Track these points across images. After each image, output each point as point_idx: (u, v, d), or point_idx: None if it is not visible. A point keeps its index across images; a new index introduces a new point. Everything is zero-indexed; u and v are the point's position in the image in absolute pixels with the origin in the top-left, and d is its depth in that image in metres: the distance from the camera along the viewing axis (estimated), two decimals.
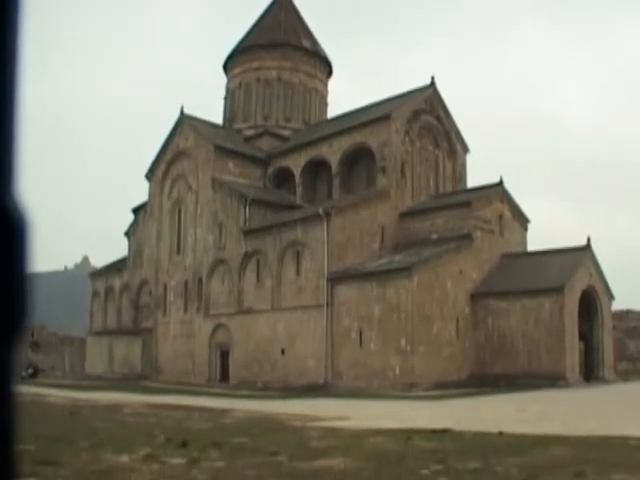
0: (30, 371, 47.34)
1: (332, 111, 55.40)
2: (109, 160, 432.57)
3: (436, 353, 32.97)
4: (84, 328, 56.42)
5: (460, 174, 43.99)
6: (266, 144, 48.76)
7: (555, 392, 28.69)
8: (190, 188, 45.39)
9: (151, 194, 48.69)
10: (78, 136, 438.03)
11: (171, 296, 45.76)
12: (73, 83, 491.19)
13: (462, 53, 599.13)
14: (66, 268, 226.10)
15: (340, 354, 34.45)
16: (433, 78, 42.85)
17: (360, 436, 13.64)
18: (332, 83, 57.72)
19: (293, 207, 42.61)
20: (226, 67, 55.55)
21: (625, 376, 39.14)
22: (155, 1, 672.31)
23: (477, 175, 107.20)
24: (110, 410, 21.10)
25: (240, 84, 53.39)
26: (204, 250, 43.37)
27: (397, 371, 32.02)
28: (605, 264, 37.28)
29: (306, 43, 53.82)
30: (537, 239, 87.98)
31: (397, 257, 35.77)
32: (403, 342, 32.08)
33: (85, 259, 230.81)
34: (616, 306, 40.34)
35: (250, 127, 51.40)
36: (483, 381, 33.07)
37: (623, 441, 12.17)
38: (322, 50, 55.32)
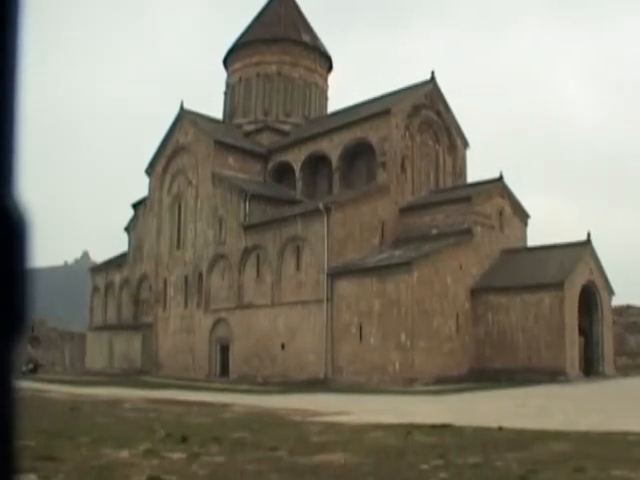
0: (30, 366, 47.37)
1: (332, 106, 55.42)
2: (109, 156, 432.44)
3: (436, 348, 32.99)
4: (84, 323, 56.44)
5: (460, 169, 43.96)
6: (266, 139, 48.71)
7: (555, 387, 28.71)
8: (190, 183, 45.36)
9: (151, 189, 48.66)
10: (78, 133, 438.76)
11: (171, 291, 45.77)
12: (73, 83, 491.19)
13: (462, 49, 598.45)
14: (66, 263, 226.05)
15: (340, 349, 34.49)
16: (433, 73, 42.82)
17: (360, 431, 13.67)
18: (332, 78, 57.71)
19: (293, 202, 42.57)
20: (226, 62, 55.42)
21: (625, 371, 39.15)
22: (155, 0, 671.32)
23: (477, 170, 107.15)
24: (110, 405, 21.13)
25: (240, 79, 53.29)
26: (204, 245, 43.38)
27: (397, 366, 32.05)
28: (605, 259, 37.33)
29: (306, 38, 53.71)
30: (537, 234, 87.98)
31: (397, 252, 35.77)
32: (403, 337, 32.10)
33: (85, 254, 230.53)
34: (616, 301, 40.39)
35: (250, 122, 51.31)
36: (483, 376, 33.09)
37: (623, 436, 12.19)
38: (322, 45, 55.23)
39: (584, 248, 35.93)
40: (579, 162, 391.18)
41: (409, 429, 13.44)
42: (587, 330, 36.32)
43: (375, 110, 41.60)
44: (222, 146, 44.84)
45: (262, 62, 52.19)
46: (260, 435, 12.80)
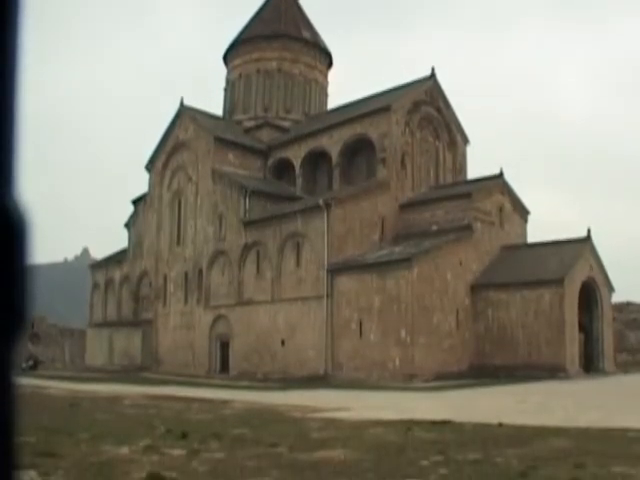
0: (30, 363, 47.36)
1: (332, 102, 55.38)
2: (109, 152, 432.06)
3: (436, 344, 33.02)
4: (84, 320, 56.48)
5: (460, 165, 43.95)
6: (266, 135, 48.69)
7: (555, 383, 28.73)
8: (190, 179, 45.35)
9: (151, 185, 48.65)
10: (78, 133, 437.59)
11: (171, 287, 45.79)
12: (73, 83, 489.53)
13: (465, 50, 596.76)
14: (66, 260, 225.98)
15: (340, 345, 34.51)
16: (433, 69, 42.77)
17: (360, 427, 13.68)
18: (332, 74, 57.68)
19: (293, 198, 42.57)
20: (226, 59, 55.38)
21: (625, 368, 39.20)
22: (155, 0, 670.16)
23: (477, 167, 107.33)
24: (110, 402, 21.14)
25: (240, 75, 53.26)
26: (204, 241, 43.38)
27: (397, 362, 32.07)
28: (605, 256, 37.35)
29: (306, 34, 53.67)
30: (537, 231, 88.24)
31: (397, 248, 35.77)
32: (403, 333, 32.12)
33: (85, 251, 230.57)
34: (616, 298, 40.41)
35: (250, 118, 51.30)
36: (483, 372, 33.13)
37: (623, 433, 12.20)
38: (322, 41, 55.17)
39: (584, 245, 35.94)
40: (579, 160, 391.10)
41: (409, 425, 13.45)
42: (587, 327, 36.34)
43: (375, 106, 41.57)
44: (222, 142, 44.82)
45: (262, 58, 52.16)
46: (260, 431, 12.81)
